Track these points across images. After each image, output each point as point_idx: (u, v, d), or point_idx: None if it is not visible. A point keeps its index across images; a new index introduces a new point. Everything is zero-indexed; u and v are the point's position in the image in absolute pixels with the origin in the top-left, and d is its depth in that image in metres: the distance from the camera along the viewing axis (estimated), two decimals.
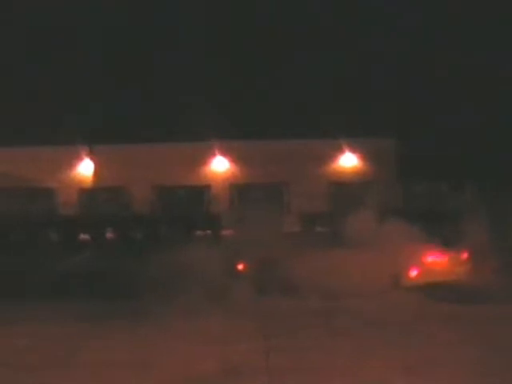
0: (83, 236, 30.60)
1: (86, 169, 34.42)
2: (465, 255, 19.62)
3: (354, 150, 34.50)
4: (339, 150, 34.49)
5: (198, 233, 30.42)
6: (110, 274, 20.43)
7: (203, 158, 34.24)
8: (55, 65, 37.03)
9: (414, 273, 18.81)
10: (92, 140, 33.67)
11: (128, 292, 17.99)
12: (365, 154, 34.47)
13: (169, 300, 16.95)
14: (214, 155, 34.40)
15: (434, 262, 19.33)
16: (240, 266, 20.16)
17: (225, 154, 34.50)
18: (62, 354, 12.48)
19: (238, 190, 32.28)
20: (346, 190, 31.45)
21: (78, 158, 34.31)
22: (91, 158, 34.35)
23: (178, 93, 35.42)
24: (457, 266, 19.26)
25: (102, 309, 17.12)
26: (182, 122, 33.12)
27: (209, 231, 30.26)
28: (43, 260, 24.23)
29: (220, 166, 34.53)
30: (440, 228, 22.82)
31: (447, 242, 19.73)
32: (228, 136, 33.09)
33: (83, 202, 31.45)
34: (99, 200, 31.53)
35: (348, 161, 34.75)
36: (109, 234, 30.43)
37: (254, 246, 20.85)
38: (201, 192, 32.42)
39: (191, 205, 31.55)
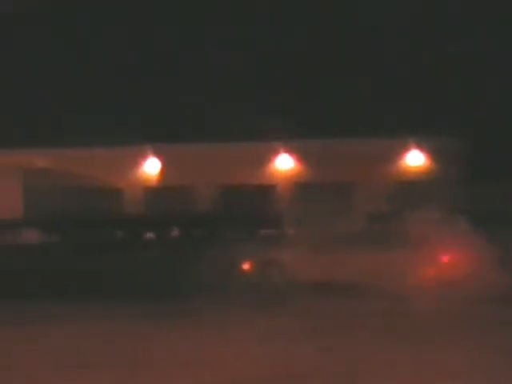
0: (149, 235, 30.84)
1: (151, 168, 34.69)
2: None
3: (419, 148, 34.07)
4: (405, 149, 34.09)
5: (263, 232, 30.39)
6: (171, 273, 20.59)
7: (268, 156, 34.19)
8: (119, 65, 37.46)
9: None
10: (158, 139, 33.89)
11: (188, 290, 18.10)
12: (431, 153, 34.01)
13: (228, 299, 17.01)
14: (278, 154, 34.31)
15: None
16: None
17: (290, 152, 34.39)
18: (125, 353, 12.57)
19: (303, 189, 32.18)
20: (411, 189, 31.11)
21: (144, 157, 34.60)
22: (157, 157, 34.61)
23: (242, 91, 35.47)
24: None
25: (164, 307, 17.27)
26: (247, 121, 33.15)
27: (273, 230, 30.20)
28: (110, 259, 24.55)
29: (285, 164, 34.43)
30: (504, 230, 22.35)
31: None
32: (293, 135, 32.96)
33: (149, 200, 31.77)
34: (164, 199, 31.80)
35: (414, 160, 34.33)
36: (174, 233, 30.62)
37: (316, 245, 20.74)
38: (265, 191, 32.40)
39: (256, 204, 31.56)
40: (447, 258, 18.84)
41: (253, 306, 16.83)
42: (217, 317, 15.73)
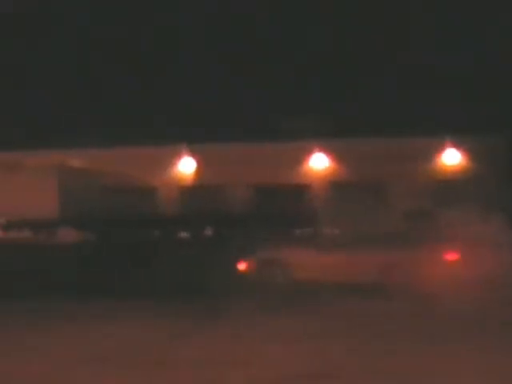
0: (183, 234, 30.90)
1: (186, 167, 34.75)
2: None
3: (456, 147, 33.73)
4: (441, 148, 33.78)
5: (298, 231, 30.29)
6: (203, 272, 20.62)
7: (302, 156, 34.06)
8: (156, 65, 37.59)
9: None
10: (193, 138, 33.93)
11: (221, 290, 18.11)
12: (468, 152, 33.65)
13: (258, 298, 16.98)
14: (313, 153, 34.17)
15: None
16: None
17: (325, 151, 34.23)
18: (161, 352, 12.56)
19: (338, 188, 32.03)
20: (447, 188, 30.83)
21: (179, 157, 34.67)
22: (192, 157, 34.66)
23: (277, 90, 35.40)
24: None
25: (199, 306, 17.27)
26: (282, 120, 33.09)
27: (308, 230, 30.07)
28: (146, 258, 24.60)
29: (319, 164, 34.27)
30: None
31: None
32: (328, 134, 32.81)
33: (183, 200, 31.85)
34: (199, 198, 31.84)
35: (451, 159, 34.00)
36: (207, 233, 30.65)
37: (351, 244, 20.62)
38: (300, 190, 32.29)
39: (290, 203, 31.46)
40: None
41: (284, 306, 16.78)
42: (249, 316, 15.68)
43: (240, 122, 34.55)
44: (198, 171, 34.50)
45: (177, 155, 34.57)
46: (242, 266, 20.82)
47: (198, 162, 34.56)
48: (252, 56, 36.92)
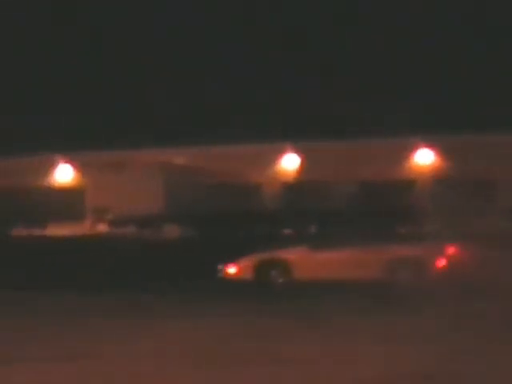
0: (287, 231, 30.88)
1: (290, 164, 34.72)
2: None
3: None
4: None
5: (401, 229, 29.82)
6: None
7: (407, 152, 33.54)
8: (260, 64, 37.72)
9: None
10: (297, 136, 33.89)
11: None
12: None
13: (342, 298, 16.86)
14: (417, 149, 33.60)
15: None
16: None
17: (430, 147, 33.63)
18: (250, 350, 12.51)
19: (444, 185, 31.39)
20: None
21: (283, 154, 34.67)
22: (296, 154, 34.62)
23: (382, 88, 35.02)
24: None
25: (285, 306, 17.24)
26: (387, 117, 32.68)
27: (413, 227, 29.58)
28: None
29: (425, 160, 33.68)
30: None
31: None
32: (434, 130, 32.22)
33: (287, 197, 31.86)
34: (302, 195, 31.78)
35: None
36: (311, 229, 30.52)
37: (457, 242, 20.10)
38: (405, 187, 31.81)
39: (395, 200, 31.03)
40: None
41: (389, 305, 16.50)
42: (339, 315, 15.54)
43: (344, 119, 34.30)
44: (302, 168, 34.42)
45: (280, 152, 34.57)
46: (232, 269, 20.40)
47: (302, 159, 34.48)
48: (345, 58, 36.71)
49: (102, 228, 31.15)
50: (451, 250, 19.61)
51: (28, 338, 14.09)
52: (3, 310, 17.89)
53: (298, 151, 34.54)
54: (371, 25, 37.88)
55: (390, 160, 32.82)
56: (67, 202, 34.27)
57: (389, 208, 30.00)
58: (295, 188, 33.68)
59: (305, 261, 19.84)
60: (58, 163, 35.83)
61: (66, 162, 35.83)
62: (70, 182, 35.94)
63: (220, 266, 20.45)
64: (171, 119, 36.70)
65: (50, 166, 35.87)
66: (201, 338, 13.41)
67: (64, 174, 35.96)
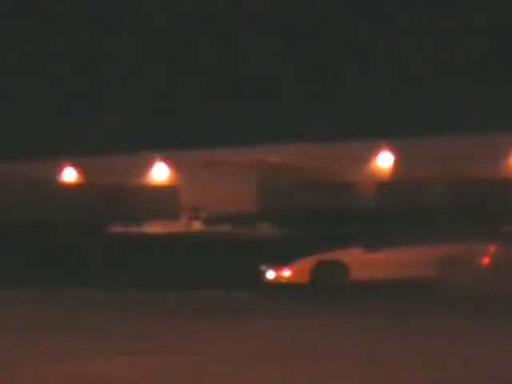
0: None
1: (384, 162, 34.42)
2: None
3: None
4: None
5: (505, 228, 29.22)
6: None
7: (503, 150, 32.83)
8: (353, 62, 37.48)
9: None
10: (391, 134, 33.55)
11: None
12: None
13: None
14: None
15: None
16: None
17: None
18: (353, 347, 12.42)
19: None
20: None
21: (377, 152, 34.39)
22: (390, 152, 34.30)
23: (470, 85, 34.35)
24: None
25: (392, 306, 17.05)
26: (480, 113, 32.10)
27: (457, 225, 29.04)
28: None
29: None
30: None
31: None
32: None
33: (381, 195, 31.58)
34: (397, 193, 31.44)
35: None
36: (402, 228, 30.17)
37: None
38: (504, 185, 31.15)
39: (494, 199, 30.42)
40: None
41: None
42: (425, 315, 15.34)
43: (439, 117, 33.84)
44: (396, 166, 34.07)
45: (374, 150, 34.30)
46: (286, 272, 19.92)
47: (397, 157, 34.12)
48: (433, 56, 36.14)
49: (197, 226, 31.49)
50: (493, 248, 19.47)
51: (127, 333, 14.35)
52: (104, 307, 18.27)
53: (391, 149, 34.21)
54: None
55: (488, 158, 32.18)
56: (162, 200, 34.78)
57: (487, 207, 29.43)
58: (390, 186, 33.34)
59: (361, 261, 19.66)
60: (155, 162, 36.38)
61: (162, 161, 36.36)
62: (166, 181, 36.45)
63: (263, 268, 20.15)
64: (264, 118, 36.80)
65: (147, 165, 36.46)
66: (296, 339, 13.44)
67: (160, 173, 36.51)
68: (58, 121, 38.49)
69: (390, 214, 30.20)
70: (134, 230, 29.04)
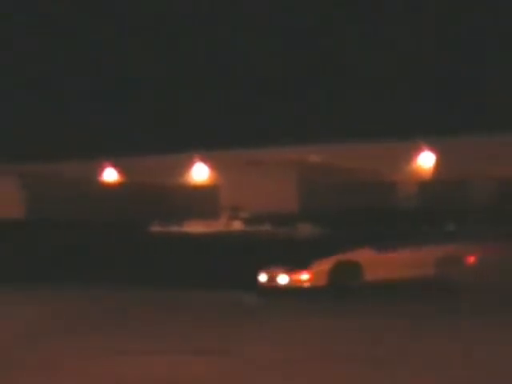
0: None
1: (425, 162, 34.11)
2: None
3: None
4: None
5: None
6: None
7: None
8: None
9: None
10: (431, 133, 33.26)
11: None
12: None
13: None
14: None
15: None
16: None
17: None
18: (406, 348, 12.33)
19: None
20: None
21: (418, 151, 34.09)
22: (431, 151, 34.00)
23: None
24: None
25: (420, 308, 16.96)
26: None
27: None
28: None
29: None
30: None
31: None
32: None
33: (423, 194, 31.31)
34: (439, 193, 31.15)
35: None
36: (449, 228, 29.85)
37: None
38: None
39: None
40: None
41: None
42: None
43: (479, 114, 33.51)
44: (438, 165, 33.74)
45: (415, 150, 34.00)
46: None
47: (439, 157, 33.79)
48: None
49: (237, 226, 31.40)
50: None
51: (169, 332, 14.38)
52: (148, 306, 18.37)
53: (433, 148, 33.88)
54: None
55: None
56: (203, 199, 34.81)
57: None
58: (432, 186, 33.02)
59: (374, 262, 19.66)
60: (195, 162, 36.46)
61: (202, 161, 36.42)
62: (206, 180, 36.50)
63: (262, 273, 19.92)
64: (304, 117, 36.75)
65: (187, 165, 36.54)
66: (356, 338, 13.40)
67: (200, 173, 36.56)
68: (98, 121, 38.78)
69: (432, 214, 29.89)
70: (174, 229, 29.01)
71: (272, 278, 19.75)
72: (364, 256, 19.87)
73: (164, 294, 20.53)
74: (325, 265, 19.70)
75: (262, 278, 20.03)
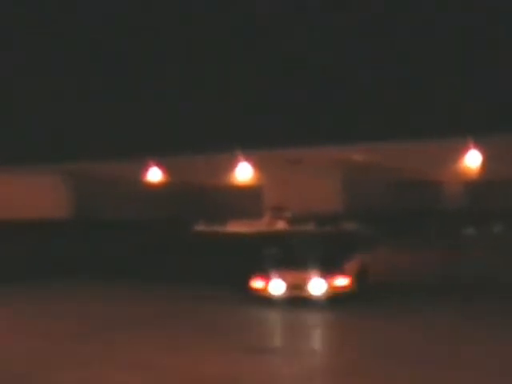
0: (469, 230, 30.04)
1: (472, 161, 33.70)
2: None
3: None
4: None
5: None
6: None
7: None
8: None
9: None
10: (479, 131, 32.85)
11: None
12: None
13: None
14: None
15: None
16: None
17: None
18: (442, 350, 12.22)
19: None
20: None
21: (465, 150, 33.69)
22: (478, 150, 33.59)
23: None
24: None
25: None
26: None
27: None
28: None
29: None
30: None
31: None
32: None
33: (470, 194, 31.01)
34: (486, 193, 30.82)
35: None
36: (496, 229, 29.54)
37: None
38: None
39: None
40: None
41: None
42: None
43: None
44: (485, 165, 33.31)
45: (462, 149, 33.60)
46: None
47: (486, 156, 33.36)
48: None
49: (281, 225, 31.36)
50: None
51: (215, 332, 14.44)
52: (195, 305, 18.44)
53: (480, 147, 33.45)
54: None
55: None
56: (246, 199, 34.83)
57: None
58: (479, 186, 32.65)
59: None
60: (239, 161, 36.45)
61: (246, 161, 36.39)
62: (250, 180, 36.47)
63: (255, 279, 18.03)
64: (348, 116, 36.56)
65: (231, 164, 36.54)
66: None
67: (244, 172, 36.54)
68: (142, 121, 38.99)
69: (477, 215, 29.61)
70: (218, 229, 29.09)
71: (293, 286, 16.98)
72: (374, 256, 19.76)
73: (216, 293, 20.61)
74: (354, 265, 18.34)
75: (258, 284, 17.65)
